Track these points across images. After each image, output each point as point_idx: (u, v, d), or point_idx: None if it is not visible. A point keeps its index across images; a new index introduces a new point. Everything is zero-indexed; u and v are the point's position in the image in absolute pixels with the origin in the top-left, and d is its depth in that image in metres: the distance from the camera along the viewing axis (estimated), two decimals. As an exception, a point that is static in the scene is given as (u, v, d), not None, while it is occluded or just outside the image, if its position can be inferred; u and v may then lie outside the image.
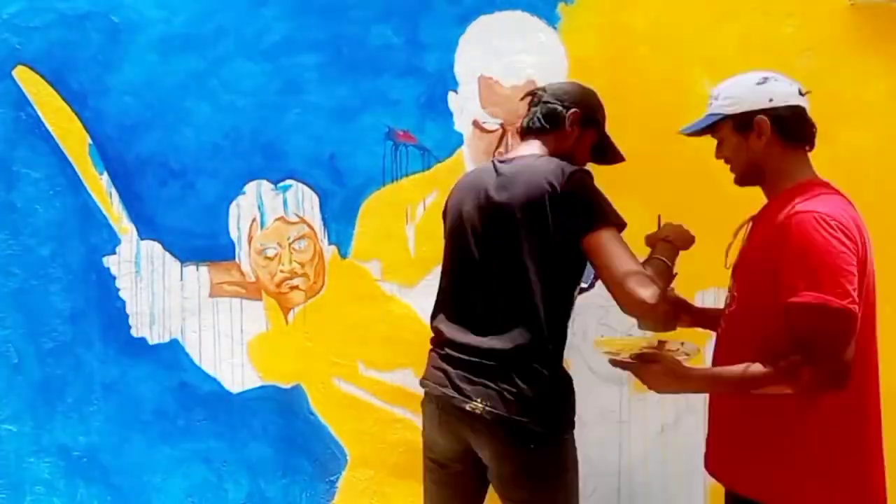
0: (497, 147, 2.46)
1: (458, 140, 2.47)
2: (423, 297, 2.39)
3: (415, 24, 2.46)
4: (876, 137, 2.39)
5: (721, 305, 2.00)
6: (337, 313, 2.55)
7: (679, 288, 2.31)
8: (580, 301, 2.43)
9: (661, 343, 1.83)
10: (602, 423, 2.46)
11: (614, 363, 1.75)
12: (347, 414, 2.55)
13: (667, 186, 2.40)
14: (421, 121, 2.47)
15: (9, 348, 2.66)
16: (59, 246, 2.63)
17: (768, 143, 1.73)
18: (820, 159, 2.40)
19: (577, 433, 2.46)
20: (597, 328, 2.42)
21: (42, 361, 2.66)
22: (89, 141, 2.59)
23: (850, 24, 2.29)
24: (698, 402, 2.42)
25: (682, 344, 1.82)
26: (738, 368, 1.67)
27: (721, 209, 2.38)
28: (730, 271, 1.84)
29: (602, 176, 2.40)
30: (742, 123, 1.74)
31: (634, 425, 2.45)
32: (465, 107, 2.46)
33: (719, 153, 1.82)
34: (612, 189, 2.41)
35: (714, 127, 1.80)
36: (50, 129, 2.61)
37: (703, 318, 2.05)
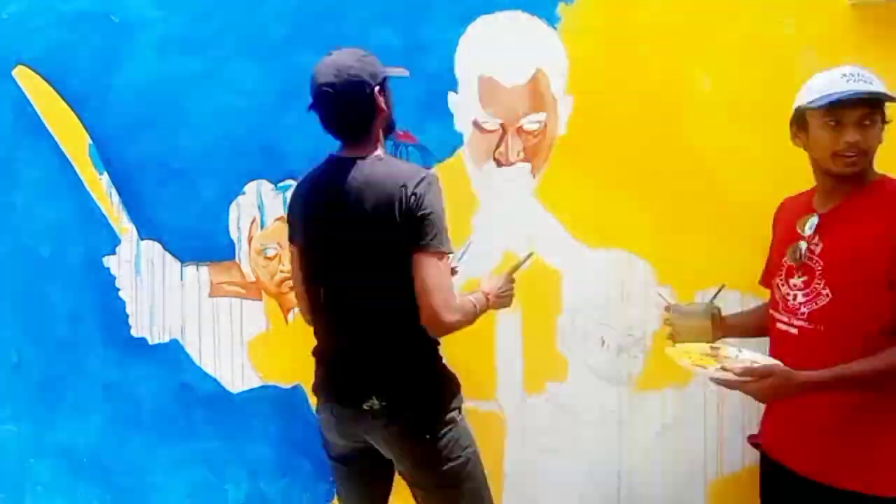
0: (497, 147, 2.45)
1: (458, 140, 2.46)
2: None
3: (415, 25, 2.45)
4: (876, 137, 2.39)
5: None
6: (337, 313, 2.54)
7: (679, 288, 2.32)
8: (580, 301, 2.44)
9: (715, 349, 1.78)
10: (602, 423, 2.46)
11: (717, 381, 1.68)
12: (347, 414, 2.55)
13: (667, 186, 2.39)
14: (421, 121, 2.46)
15: (9, 348, 2.67)
16: (59, 246, 2.63)
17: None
18: (820, 159, 2.41)
19: (578, 433, 2.48)
20: (596, 328, 2.42)
21: (42, 361, 2.66)
22: (89, 141, 2.59)
23: (850, 24, 2.28)
24: (698, 402, 2.42)
25: (740, 351, 1.78)
26: (864, 364, 1.62)
27: (721, 209, 2.39)
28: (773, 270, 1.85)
29: (601, 176, 2.42)
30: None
31: (634, 425, 2.45)
32: (465, 107, 2.46)
33: (868, 140, 1.74)
34: (612, 189, 2.42)
35: (877, 105, 1.76)
36: (50, 129, 2.61)
37: (740, 326, 2.03)
